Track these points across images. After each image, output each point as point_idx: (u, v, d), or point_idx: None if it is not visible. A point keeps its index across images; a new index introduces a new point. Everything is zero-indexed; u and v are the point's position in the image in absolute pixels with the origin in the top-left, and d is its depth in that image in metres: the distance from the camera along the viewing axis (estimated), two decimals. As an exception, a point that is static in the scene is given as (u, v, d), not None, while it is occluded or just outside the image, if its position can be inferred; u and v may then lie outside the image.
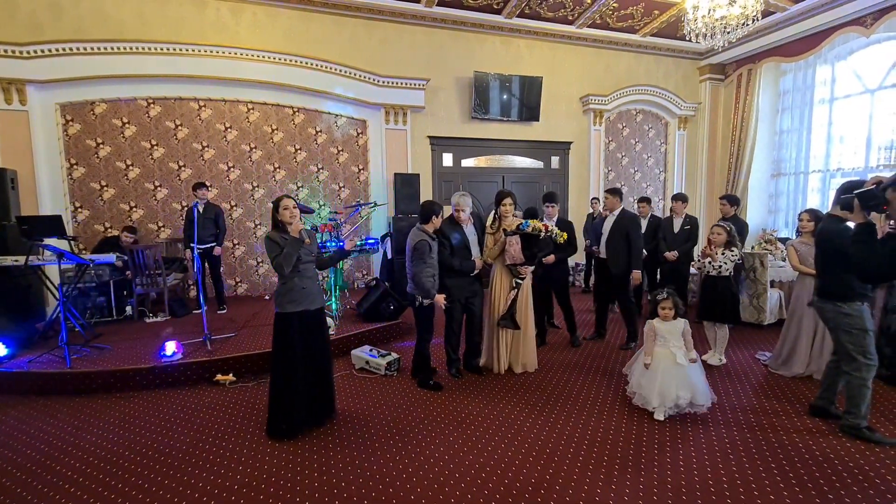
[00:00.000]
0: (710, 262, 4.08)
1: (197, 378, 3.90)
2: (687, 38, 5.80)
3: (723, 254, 4.05)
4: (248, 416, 3.29)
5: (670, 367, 3.14)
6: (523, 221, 3.72)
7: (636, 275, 4.54)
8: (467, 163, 7.82)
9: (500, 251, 3.85)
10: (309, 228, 2.98)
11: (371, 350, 4.27)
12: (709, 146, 8.98)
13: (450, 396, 3.59)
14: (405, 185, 6.67)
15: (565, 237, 3.82)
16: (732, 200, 5.18)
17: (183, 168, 6.43)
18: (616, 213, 4.68)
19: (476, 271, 3.82)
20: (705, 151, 9.02)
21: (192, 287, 6.54)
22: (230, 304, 5.99)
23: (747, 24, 5.29)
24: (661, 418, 3.11)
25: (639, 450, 2.77)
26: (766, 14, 6.71)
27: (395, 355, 4.15)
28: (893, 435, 2.85)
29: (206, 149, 6.52)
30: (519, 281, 3.81)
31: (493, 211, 4.04)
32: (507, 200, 3.88)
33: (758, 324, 5.28)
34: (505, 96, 7.53)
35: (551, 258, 4.13)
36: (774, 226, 8.15)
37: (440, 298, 3.65)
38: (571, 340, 4.75)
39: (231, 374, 3.94)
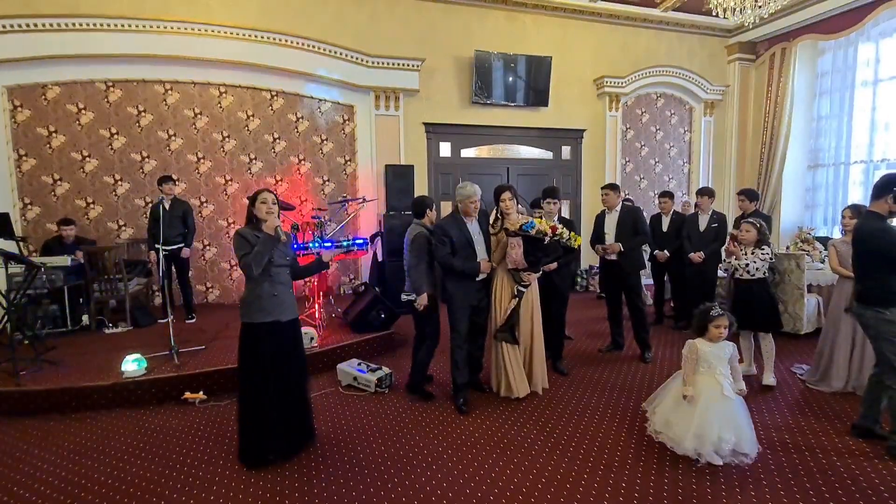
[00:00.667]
0: (735, 262, 4.07)
1: (163, 396, 3.89)
2: (713, 14, 5.82)
3: (752, 253, 4.04)
4: (221, 439, 3.28)
5: (713, 400, 2.81)
6: (528, 220, 3.53)
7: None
8: (467, 153, 7.83)
9: (503, 255, 3.75)
10: (279, 226, 2.94)
11: (360, 364, 4.26)
12: (738, 134, 9.02)
13: (447, 418, 3.59)
14: (398, 177, 6.67)
15: (580, 241, 3.69)
16: (751, 195, 5.23)
17: (147, 160, 6.42)
18: (617, 209, 4.82)
19: (483, 275, 3.69)
20: (734, 140, 9.05)
21: (156, 294, 6.52)
22: (200, 313, 5.98)
23: (780, -1, 5.33)
24: (699, 458, 2.78)
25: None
26: (801, -14, 6.76)
27: (386, 370, 4.15)
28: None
29: (173, 138, 6.51)
30: (521, 289, 3.66)
31: (495, 208, 3.92)
32: (506, 195, 3.75)
33: (794, 333, 5.29)
34: (510, 78, 7.55)
35: (552, 265, 3.93)
36: (812, 223, 8.18)
37: (422, 299, 3.65)
38: (554, 366, 4.41)
39: (201, 392, 3.93)
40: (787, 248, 6.56)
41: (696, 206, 5.71)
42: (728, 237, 4.44)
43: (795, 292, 5.31)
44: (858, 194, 7.66)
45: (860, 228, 3.01)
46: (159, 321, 5.59)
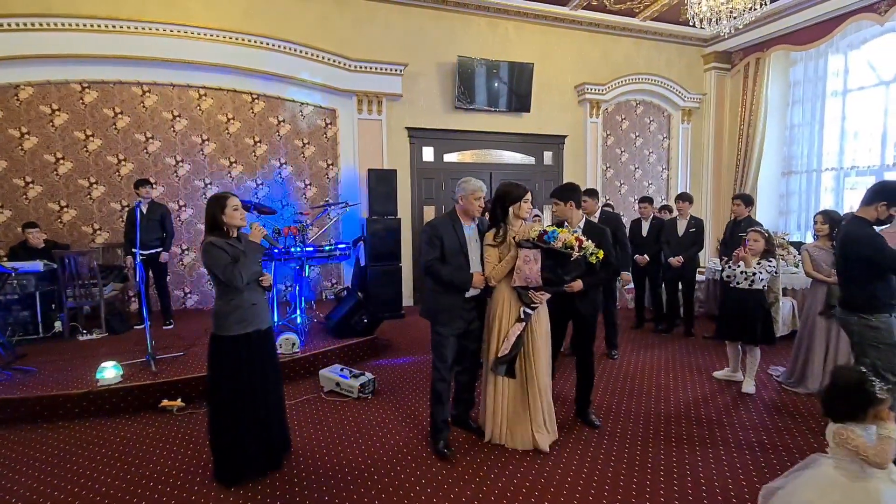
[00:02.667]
0: (742, 271, 3.98)
1: (139, 405, 3.80)
2: (690, 24, 5.96)
3: (758, 263, 3.98)
4: (199, 449, 3.21)
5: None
6: (550, 230, 2.90)
7: (626, 276, 4.81)
8: (450, 157, 7.86)
9: (507, 270, 3.03)
10: (269, 233, 2.91)
11: (342, 370, 4.23)
12: (715, 141, 9.23)
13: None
14: (381, 182, 6.66)
15: (601, 255, 2.95)
16: (747, 200, 5.35)
17: (123, 162, 6.29)
18: (596, 215, 4.86)
19: (474, 291, 3.09)
20: (711, 147, 9.26)
21: (132, 299, 6.38)
22: (178, 319, 5.86)
23: (755, 9, 5.48)
24: None
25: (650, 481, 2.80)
26: (774, -1, 6.96)
27: (369, 375, 4.12)
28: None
29: (151, 140, 6.39)
30: (528, 311, 3.00)
31: (493, 214, 3.20)
32: (528, 198, 3.09)
33: (770, 336, 5.43)
34: (493, 84, 7.61)
35: (578, 284, 3.08)
36: (786, 228, 8.41)
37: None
38: (580, 414, 3.56)
39: (179, 400, 3.85)
40: (763, 252, 6.72)
41: (671, 209, 5.83)
42: (742, 244, 4.22)
43: (771, 296, 5.44)
44: (830, 200, 7.90)
45: (846, 234, 3.02)
46: (135, 327, 5.48)
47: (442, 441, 3.12)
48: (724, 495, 2.65)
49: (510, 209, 3.09)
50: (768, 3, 5.56)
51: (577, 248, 2.85)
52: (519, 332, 2.99)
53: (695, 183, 9.31)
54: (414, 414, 3.72)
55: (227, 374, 2.76)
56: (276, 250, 4.75)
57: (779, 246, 6.45)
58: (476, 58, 7.43)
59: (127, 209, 6.15)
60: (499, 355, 3.02)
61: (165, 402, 3.82)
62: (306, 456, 3.11)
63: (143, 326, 5.31)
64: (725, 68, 9.09)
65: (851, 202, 7.49)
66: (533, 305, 3.01)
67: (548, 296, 3.06)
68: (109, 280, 5.71)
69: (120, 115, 6.24)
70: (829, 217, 4.20)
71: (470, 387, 3.45)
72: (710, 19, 5.74)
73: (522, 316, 3.02)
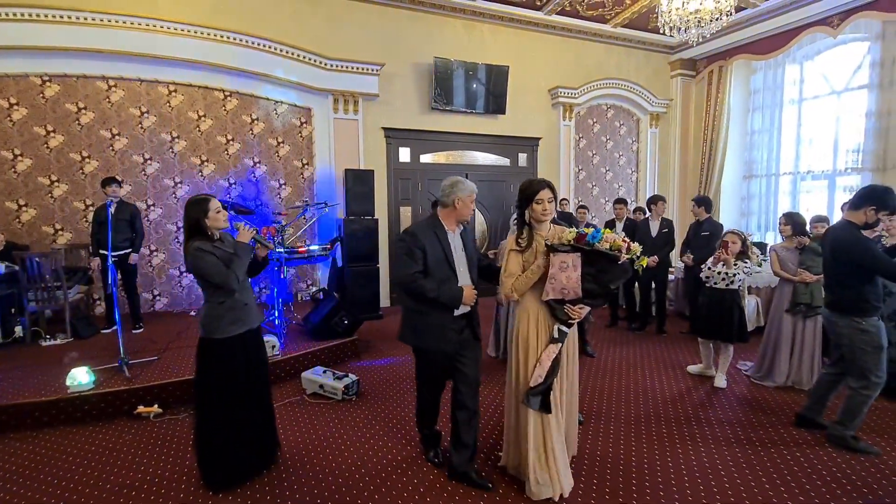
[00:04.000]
0: (719, 271, 4.12)
1: (113, 411, 3.66)
2: (661, 31, 6.17)
3: (735, 265, 4.14)
4: (181, 456, 3.12)
5: None
6: (593, 230, 2.51)
7: None
8: (426, 158, 7.87)
9: (536, 279, 2.56)
10: (258, 232, 2.86)
11: (325, 372, 4.19)
12: (681, 145, 9.57)
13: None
14: (358, 182, 6.61)
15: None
16: (704, 202, 5.58)
17: (87, 160, 6.03)
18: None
19: (465, 308, 2.71)
20: (677, 150, 9.60)
21: (97, 302, 6.13)
22: (147, 322, 5.66)
23: (720, 19, 5.73)
24: None
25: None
26: (737, 9, 7.28)
27: (353, 377, 4.09)
28: (876, 443, 3.16)
29: (118, 137, 6.15)
30: (564, 330, 2.55)
31: (513, 215, 2.90)
32: (545, 194, 2.58)
33: (736, 332, 5.68)
34: (470, 86, 7.66)
35: (582, 311, 2.56)
36: (748, 229, 8.79)
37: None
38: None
39: (156, 406, 3.73)
40: (728, 252, 7.01)
41: (644, 211, 6.02)
42: (719, 245, 4.38)
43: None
44: (787, 203, 8.31)
45: (836, 238, 3.06)
46: (102, 331, 5.27)
47: (432, 451, 3.02)
48: (706, 490, 2.76)
49: (526, 211, 2.64)
50: (733, 13, 5.81)
51: (624, 251, 2.41)
52: (555, 356, 2.53)
53: (662, 185, 9.63)
54: (401, 415, 3.72)
55: (219, 377, 2.71)
56: (272, 251, 4.41)
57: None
58: (453, 59, 7.47)
59: (92, 209, 5.91)
60: (532, 385, 2.52)
61: (141, 409, 3.69)
62: (294, 460, 3.07)
63: (110, 330, 5.20)
64: (691, 75, 9.44)
65: (807, 205, 7.91)
66: (570, 322, 2.53)
67: (587, 310, 2.56)
68: (74, 282, 5.46)
69: (84, 111, 5.98)
70: (792, 219, 4.43)
71: (472, 427, 2.76)
72: (680, 27, 5.97)
73: (557, 335, 2.53)
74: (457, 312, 2.70)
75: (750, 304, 5.79)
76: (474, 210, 2.86)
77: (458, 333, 2.72)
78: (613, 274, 2.46)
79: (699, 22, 5.89)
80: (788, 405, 3.80)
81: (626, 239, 2.45)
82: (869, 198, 2.96)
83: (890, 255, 3.13)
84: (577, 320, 2.51)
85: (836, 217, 7.27)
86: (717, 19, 5.76)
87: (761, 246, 7.44)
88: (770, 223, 8.48)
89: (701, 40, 6.53)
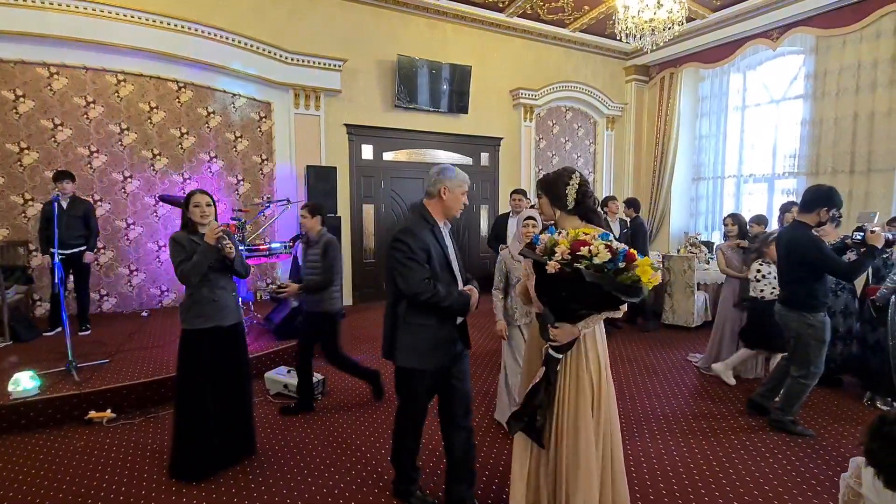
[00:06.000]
0: (771, 282, 4.03)
1: (62, 417, 3.48)
2: (618, 38, 6.42)
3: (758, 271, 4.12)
4: (137, 461, 3.01)
5: None
6: (550, 229, 2.10)
7: None
8: (389, 156, 7.84)
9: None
10: (227, 229, 2.80)
11: (289, 371, 4.12)
12: (635, 148, 9.97)
13: (388, 419, 3.60)
14: (320, 179, 6.53)
15: (653, 280, 1.79)
16: (632, 204, 6.04)
17: (26, 151, 5.66)
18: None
19: (468, 311, 2.35)
20: (631, 153, 9.99)
21: (38, 303, 5.76)
22: (95, 323, 5.38)
23: (672, 28, 6.02)
24: None
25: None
26: (688, 20, 7.65)
27: (319, 376, 4.04)
28: (810, 426, 3.45)
29: (60, 128, 5.80)
30: (550, 351, 1.96)
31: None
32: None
33: (686, 326, 5.99)
34: (434, 85, 7.69)
35: (564, 332, 1.94)
36: (696, 229, 9.27)
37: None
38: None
39: (109, 410, 3.57)
40: (678, 250, 7.39)
41: (607, 211, 6.24)
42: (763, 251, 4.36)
43: (687, 290, 6.01)
44: (732, 204, 8.81)
45: (792, 238, 3.23)
46: (45, 334, 4.97)
47: (411, 489, 2.56)
48: (663, 476, 2.92)
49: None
50: (684, 23, 6.11)
51: (588, 259, 1.77)
52: (536, 381, 2.00)
53: (617, 186, 9.99)
54: (370, 412, 3.71)
55: (188, 367, 2.75)
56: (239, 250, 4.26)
57: (692, 245, 7.13)
58: (416, 57, 7.47)
59: (31, 203, 5.57)
60: (513, 408, 2.18)
61: (93, 414, 3.52)
62: (261, 461, 3.02)
63: (54, 333, 4.91)
64: (644, 80, 9.84)
65: (749, 206, 8.41)
66: (553, 343, 1.94)
67: (569, 332, 1.92)
68: (12, 282, 5.12)
69: (22, 99, 5.60)
70: (737, 220, 4.73)
71: (469, 451, 2.47)
72: (635, 35, 6.23)
73: (544, 357, 2.00)
74: (459, 320, 2.41)
75: (699, 299, 6.11)
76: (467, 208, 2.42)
77: (452, 343, 2.39)
78: (577, 290, 1.81)
79: (653, 30, 6.17)
80: (735, 392, 4.07)
81: (585, 241, 1.79)
82: (820, 199, 3.15)
83: (837, 254, 3.36)
84: (559, 344, 1.92)
85: (775, 217, 7.83)
86: (669, 28, 6.05)
87: (708, 244, 7.86)
88: (716, 223, 8.96)
89: (654, 48, 6.83)
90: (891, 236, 3.13)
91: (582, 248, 1.78)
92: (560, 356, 1.97)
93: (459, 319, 2.41)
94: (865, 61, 6.53)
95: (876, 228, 3.06)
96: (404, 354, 2.33)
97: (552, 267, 1.80)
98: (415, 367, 2.32)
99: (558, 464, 2.01)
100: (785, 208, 4.46)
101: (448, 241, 2.42)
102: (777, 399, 3.51)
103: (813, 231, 3.19)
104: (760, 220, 4.70)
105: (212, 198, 2.83)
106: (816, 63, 7.13)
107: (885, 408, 3.68)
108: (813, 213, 3.18)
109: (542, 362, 2.01)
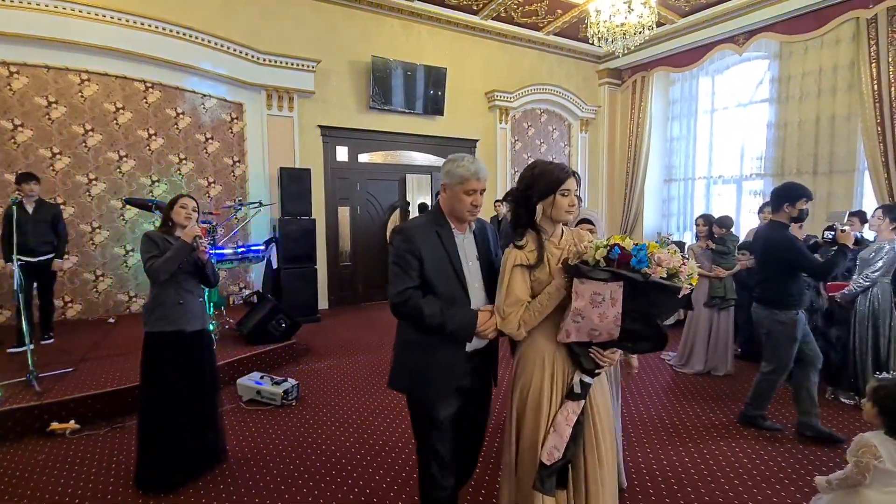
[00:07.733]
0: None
1: (22, 429, 3.35)
2: (590, 42, 6.52)
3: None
4: (102, 472, 2.92)
5: None
6: (629, 244, 1.65)
7: None
8: (364, 158, 7.80)
9: (547, 308, 1.79)
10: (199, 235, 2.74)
11: (262, 377, 4.06)
12: (608, 150, 10.13)
13: (364, 421, 3.57)
14: (293, 181, 6.45)
15: (695, 282, 1.68)
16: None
17: (-17, 153, 5.45)
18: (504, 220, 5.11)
19: (480, 342, 1.95)
20: (605, 155, 10.15)
21: (-2, 311, 5.54)
22: (58, 331, 5.18)
23: (643, 32, 6.15)
24: None
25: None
26: (658, 24, 7.82)
27: (292, 381, 4.00)
28: (778, 420, 3.55)
29: (20, 129, 5.59)
30: (588, 381, 1.77)
31: (513, 215, 1.96)
32: (570, 185, 1.83)
33: (659, 325, 6.11)
34: (409, 86, 7.68)
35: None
36: (668, 230, 9.47)
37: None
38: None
39: (72, 422, 3.45)
40: (651, 251, 7.52)
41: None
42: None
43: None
44: (702, 205, 9.03)
45: (767, 238, 3.28)
46: (9, 350, 4.72)
47: None
48: (664, 480, 2.97)
49: (539, 205, 1.85)
50: (654, 27, 6.25)
51: (685, 277, 1.62)
52: (575, 421, 1.75)
53: (592, 188, 10.14)
54: (343, 417, 3.68)
55: (151, 372, 2.69)
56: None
57: (665, 244, 7.26)
58: (391, 59, 7.46)
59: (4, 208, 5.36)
60: (545, 461, 1.73)
61: (55, 425, 3.39)
62: (232, 469, 2.96)
63: (19, 350, 4.60)
64: (616, 84, 10.02)
65: (719, 207, 8.62)
66: (596, 371, 1.77)
67: (619, 354, 1.83)
68: (-32, 290, 4.91)
69: (-22, 99, 5.39)
70: (707, 220, 4.85)
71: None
72: (607, 38, 6.34)
73: (579, 389, 1.76)
74: (469, 347, 1.94)
75: (671, 298, 6.23)
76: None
77: (467, 376, 1.97)
78: (665, 307, 1.73)
79: (624, 34, 6.29)
80: (706, 390, 4.17)
81: (681, 255, 1.65)
82: (779, 197, 3.24)
83: (812, 251, 3.46)
84: (608, 367, 1.76)
85: (744, 217, 8.07)
86: (639, 33, 6.18)
87: (681, 245, 8.02)
88: (688, 223, 9.17)
89: (626, 52, 6.96)
90: (860, 235, 3.23)
91: (681, 264, 1.63)
92: (591, 384, 1.77)
93: (473, 346, 1.94)
94: (826, 66, 6.78)
95: (846, 227, 3.14)
96: (396, 375, 2.03)
97: (685, 289, 1.62)
98: (415, 395, 2.00)
99: (590, 490, 1.78)
100: (761, 209, 4.62)
101: (467, 248, 2.00)
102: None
103: (790, 229, 3.25)
104: (723, 222, 4.74)
105: (198, 204, 2.79)
106: (780, 68, 7.36)
107: (848, 402, 3.81)
108: (781, 212, 3.25)
109: (567, 395, 1.76)
